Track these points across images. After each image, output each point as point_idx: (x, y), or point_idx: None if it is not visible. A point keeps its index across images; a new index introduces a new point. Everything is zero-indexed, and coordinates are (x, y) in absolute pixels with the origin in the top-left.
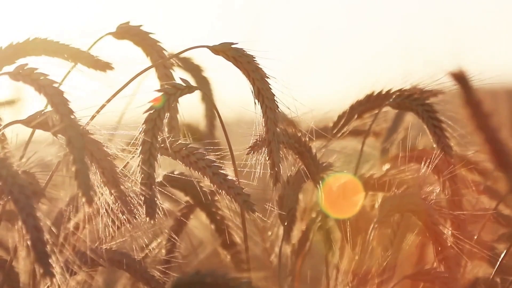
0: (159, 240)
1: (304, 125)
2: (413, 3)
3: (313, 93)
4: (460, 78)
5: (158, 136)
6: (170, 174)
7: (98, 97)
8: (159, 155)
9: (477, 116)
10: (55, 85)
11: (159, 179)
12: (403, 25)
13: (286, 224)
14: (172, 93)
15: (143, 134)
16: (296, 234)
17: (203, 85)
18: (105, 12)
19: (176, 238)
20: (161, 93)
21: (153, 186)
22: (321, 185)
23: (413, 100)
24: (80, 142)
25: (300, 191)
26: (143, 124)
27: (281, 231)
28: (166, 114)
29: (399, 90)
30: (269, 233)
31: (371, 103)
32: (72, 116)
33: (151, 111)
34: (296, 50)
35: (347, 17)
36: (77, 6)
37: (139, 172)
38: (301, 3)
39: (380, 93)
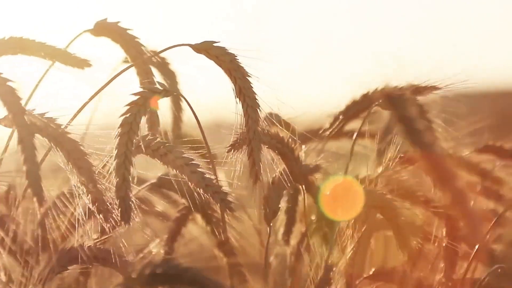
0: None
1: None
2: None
3: (311, 94)
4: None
5: (134, 140)
6: (164, 176)
7: (79, 95)
8: (134, 159)
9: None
10: (9, 83)
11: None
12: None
13: (285, 225)
14: (148, 96)
15: (118, 138)
16: (295, 236)
17: (169, 79)
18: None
19: (174, 239)
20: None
21: (128, 190)
22: (303, 186)
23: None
24: (30, 141)
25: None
26: (118, 127)
27: (280, 232)
28: (142, 118)
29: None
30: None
31: (359, 105)
32: (24, 115)
33: (127, 115)
34: (297, 52)
35: (348, 19)
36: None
37: (114, 176)
38: (303, 7)
39: (367, 95)
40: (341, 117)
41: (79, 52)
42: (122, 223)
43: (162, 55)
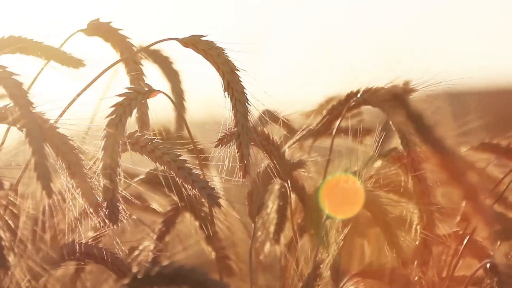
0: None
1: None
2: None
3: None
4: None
5: (120, 142)
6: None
7: (71, 93)
8: (121, 160)
9: (421, 128)
10: (14, 77)
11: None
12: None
13: (276, 224)
14: (133, 97)
15: (104, 139)
16: (287, 234)
17: (172, 78)
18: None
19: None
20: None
21: (115, 192)
22: (289, 183)
23: (379, 96)
24: (39, 134)
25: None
26: (104, 129)
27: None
28: (127, 119)
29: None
30: (259, 233)
31: (344, 104)
32: (31, 108)
33: (113, 116)
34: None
35: (348, 16)
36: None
37: (101, 178)
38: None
39: (351, 92)
40: (327, 114)
41: (72, 51)
42: (110, 224)
43: (166, 54)
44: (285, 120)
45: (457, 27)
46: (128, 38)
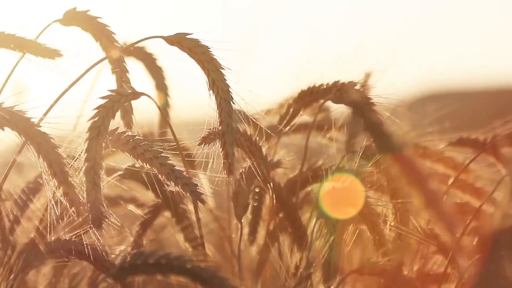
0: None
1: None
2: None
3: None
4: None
5: (103, 144)
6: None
7: (52, 86)
8: (104, 163)
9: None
10: None
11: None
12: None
13: (250, 224)
14: (116, 100)
15: (87, 142)
16: (262, 235)
17: (156, 74)
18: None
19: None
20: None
21: (98, 195)
22: (270, 183)
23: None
24: None
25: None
26: (87, 132)
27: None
28: (110, 121)
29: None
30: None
31: (311, 97)
32: None
33: (95, 119)
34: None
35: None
36: None
37: (84, 181)
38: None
39: (320, 87)
40: (290, 110)
41: (50, 43)
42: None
43: (149, 51)
44: (253, 120)
45: (457, 27)
46: (108, 26)
